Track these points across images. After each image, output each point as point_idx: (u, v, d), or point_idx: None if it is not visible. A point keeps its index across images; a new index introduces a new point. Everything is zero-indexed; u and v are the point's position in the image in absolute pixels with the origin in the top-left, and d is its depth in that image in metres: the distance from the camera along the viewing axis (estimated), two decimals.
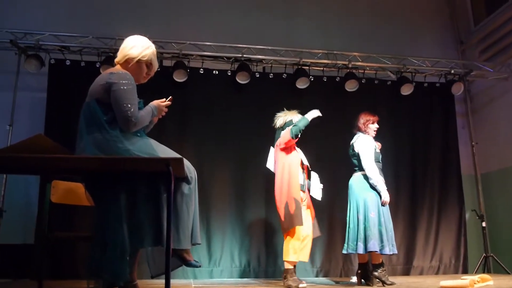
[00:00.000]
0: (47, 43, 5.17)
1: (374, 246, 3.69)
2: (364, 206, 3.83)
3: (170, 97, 2.62)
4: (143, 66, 2.48)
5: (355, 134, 4.17)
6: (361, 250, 3.75)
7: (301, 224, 3.68)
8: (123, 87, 2.28)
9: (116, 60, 2.49)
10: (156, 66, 2.56)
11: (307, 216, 3.93)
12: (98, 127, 2.24)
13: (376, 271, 3.80)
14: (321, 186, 4.05)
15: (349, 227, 3.95)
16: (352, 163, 4.14)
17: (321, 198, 4.18)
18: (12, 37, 5.08)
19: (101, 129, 2.24)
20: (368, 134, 4.07)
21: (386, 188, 3.87)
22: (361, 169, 3.97)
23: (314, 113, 3.98)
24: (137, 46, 2.45)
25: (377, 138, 4.19)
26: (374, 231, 3.72)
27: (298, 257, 3.77)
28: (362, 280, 3.92)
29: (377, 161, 3.96)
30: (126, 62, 2.44)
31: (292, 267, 3.77)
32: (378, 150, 4.05)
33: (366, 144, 3.94)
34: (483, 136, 6.34)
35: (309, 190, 4.02)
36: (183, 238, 2.28)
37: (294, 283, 3.68)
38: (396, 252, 3.88)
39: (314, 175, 4.07)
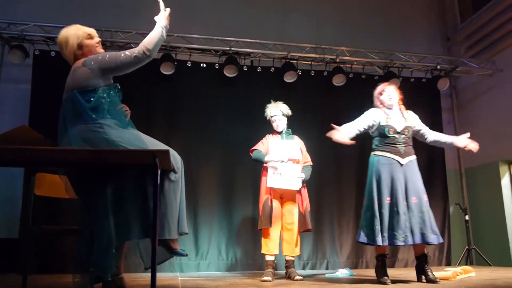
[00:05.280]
0: (31, 33, 5.09)
1: (360, 236, 3.42)
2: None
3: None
4: (88, 42, 2.47)
5: None
6: (357, 239, 3.51)
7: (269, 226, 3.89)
8: (106, 58, 2.33)
9: (70, 61, 2.46)
10: (93, 32, 2.53)
11: (277, 207, 3.97)
12: (82, 116, 2.23)
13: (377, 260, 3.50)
14: (301, 176, 4.02)
15: None
16: None
17: (305, 189, 4.14)
18: None
19: (86, 118, 2.23)
20: (384, 107, 3.58)
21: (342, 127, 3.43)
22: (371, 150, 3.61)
23: (273, 159, 3.95)
24: (69, 36, 2.44)
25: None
26: (363, 220, 3.46)
27: (268, 250, 3.93)
28: (423, 276, 3.40)
29: (382, 135, 3.49)
30: (76, 55, 2.43)
31: (269, 259, 3.94)
32: (387, 123, 3.48)
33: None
34: (468, 131, 6.39)
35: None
36: (170, 228, 2.28)
37: (263, 275, 3.83)
38: (398, 243, 3.29)
39: (292, 166, 4.03)
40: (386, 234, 3.29)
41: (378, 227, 3.31)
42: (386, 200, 3.36)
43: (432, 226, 3.33)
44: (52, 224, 4.42)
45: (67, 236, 4.36)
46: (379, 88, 3.68)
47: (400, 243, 3.27)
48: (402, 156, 3.44)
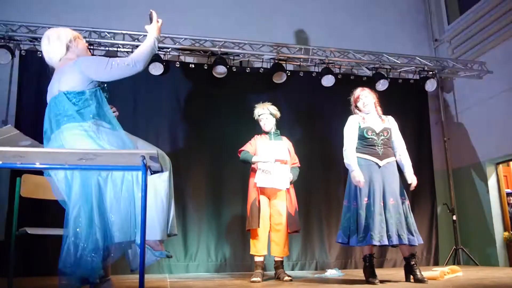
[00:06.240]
0: (17, 33, 5.02)
1: (339, 237, 3.49)
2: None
3: (151, 11, 2.56)
4: (80, 41, 2.47)
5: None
6: (337, 239, 3.58)
7: (256, 226, 3.89)
8: (96, 62, 2.30)
9: (58, 55, 2.41)
10: (82, 37, 2.53)
11: (265, 207, 3.97)
12: (69, 118, 2.20)
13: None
14: (289, 176, 4.03)
15: None
16: None
17: (294, 189, 4.15)
18: None
19: (72, 120, 2.20)
20: (362, 112, 3.65)
21: (357, 168, 3.40)
22: None
23: (260, 160, 3.97)
24: (61, 31, 2.42)
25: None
26: (343, 221, 3.52)
27: (256, 251, 3.92)
28: (411, 276, 3.42)
29: (361, 137, 3.53)
30: (68, 47, 2.41)
31: (257, 260, 3.93)
32: (365, 126, 3.55)
33: (345, 127, 3.66)
34: (455, 132, 6.50)
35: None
36: (159, 229, 2.26)
37: (252, 276, 3.82)
38: (374, 243, 3.25)
39: (280, 166, 4.05)
40: (362, 235, 3.32)
41: (353, 227, 3.37)
42: (364, 201, 3.39)
43: (410, 227, 3.36)
44: (38, 226, 4.36)
45: (53, 238, 4.31)
46: (354, 95, 3.73)
47: (375, 243, 3.27)
48: (380, 158, 3.48)
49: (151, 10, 2.56)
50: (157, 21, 2.54)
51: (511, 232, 5.75)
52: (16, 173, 2.86)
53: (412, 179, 3.50)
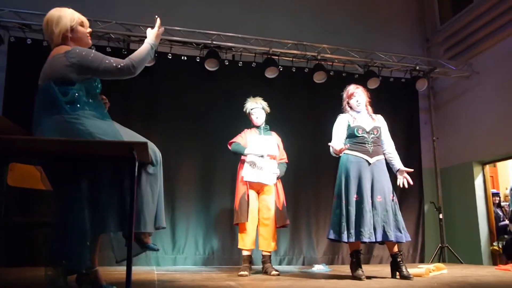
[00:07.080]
0: (7, 20, 4.93)
1: (330, 233, 3.50)
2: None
3: (157, 17, 2.51)
4: (81, 29, 2.39)
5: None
6: (327, 236, 3.59)
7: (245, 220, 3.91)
8: (90, 56, 2.23)
9: (54, 43, 2.35)
10: (86, 21, 2.44)
11: (254, 202, 3.99)
12: (58, 109, 2.16)
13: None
14: (276, 171, 4.05)
15: None
16: None
17: (282, 185, 4.18)
18: None
19: (61, 111, 2.16)
20: (353, 110, 3.64)
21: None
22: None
23: (253, 152, 3.98)
24: (62, 17, 2.34)
25: None
26: (333, 217, 3.53)
27: (244, 245, 3.94)
28: (397, 272, 3.45)
29: (352, 136, 3.55)
30: (65, 38, 2.33)
31: (245, 254, 3.94)
32: (355, 124, 3.55)
33: (334, 126, 3.67)
34: (444, 132, 6.57)
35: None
36: (146, 221, 2.24)
37: (240, 270, 3.85)
38: (364, 240, 3.30)
39: (269, 162, 4.05)
40: (353, 231, 3.35)
41: (344, 224, 3.38)
42: (354, 197, 3.42)
43: (398, 224, 3.40)
44: (25, 215, 4.32)
45: (40, 228, 4.27)
46: (348, 91, 3.71)
47: (365, 239, 3.31)
48: (371, 155, 3.50)
49: (156, 16, 2.51)
50: (158, 28, 2.50)
51: (497, 241, 5.82)
52: (3, 161, 2.81)
53: (400, 176, 3.59)
